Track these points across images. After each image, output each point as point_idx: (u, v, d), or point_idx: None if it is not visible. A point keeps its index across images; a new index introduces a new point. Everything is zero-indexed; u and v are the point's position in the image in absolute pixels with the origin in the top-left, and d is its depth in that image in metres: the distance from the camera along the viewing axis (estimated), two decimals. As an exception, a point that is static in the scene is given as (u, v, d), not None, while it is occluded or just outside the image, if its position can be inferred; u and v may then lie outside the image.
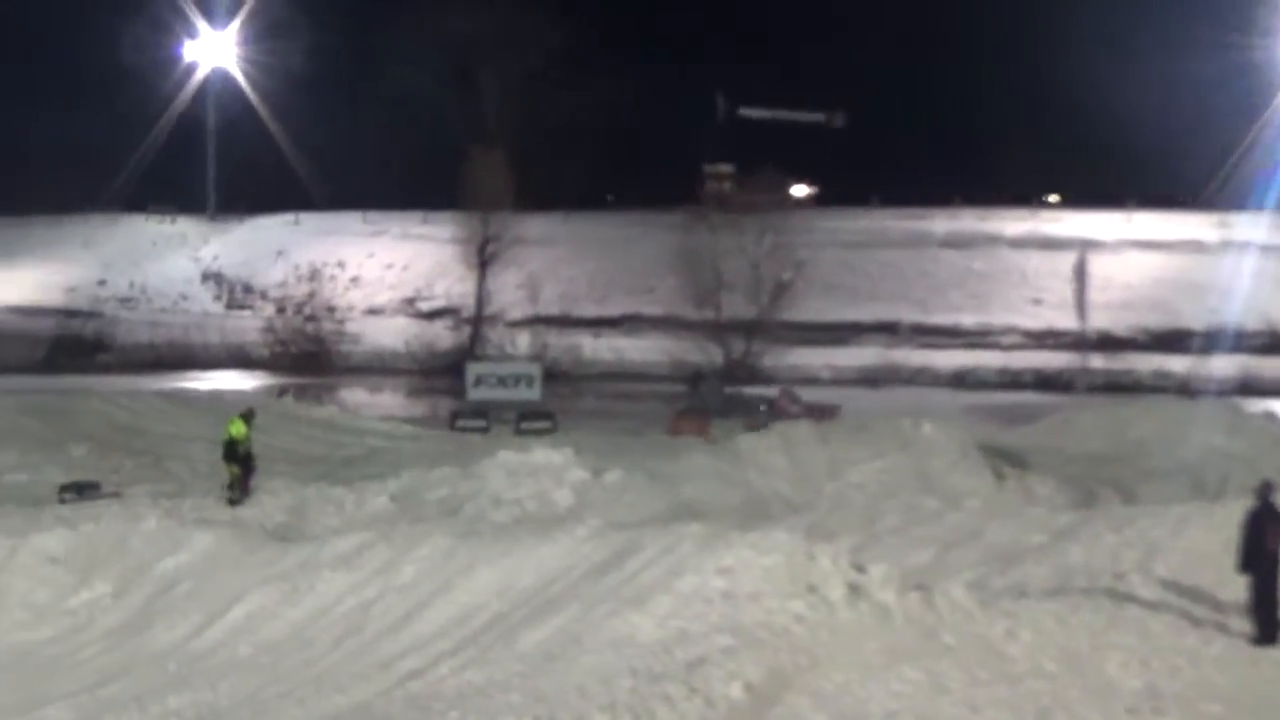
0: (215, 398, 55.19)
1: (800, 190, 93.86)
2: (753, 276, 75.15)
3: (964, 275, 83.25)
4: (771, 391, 53.59)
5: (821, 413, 46.81)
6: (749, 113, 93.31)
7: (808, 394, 53.29)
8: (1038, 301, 79.80)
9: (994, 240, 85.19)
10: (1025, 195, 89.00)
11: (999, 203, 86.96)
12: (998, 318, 79.55)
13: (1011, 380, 72.71)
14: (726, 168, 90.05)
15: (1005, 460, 34.44)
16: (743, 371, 69.59)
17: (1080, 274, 76.34)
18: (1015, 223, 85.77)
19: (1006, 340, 78.09)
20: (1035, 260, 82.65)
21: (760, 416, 46.16)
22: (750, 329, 74.41)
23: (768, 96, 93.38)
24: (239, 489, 31.26)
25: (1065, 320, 76.51)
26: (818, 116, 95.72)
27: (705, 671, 15.07)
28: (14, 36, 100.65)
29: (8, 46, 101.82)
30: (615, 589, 17.38)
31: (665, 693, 14.67)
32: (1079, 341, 74.80)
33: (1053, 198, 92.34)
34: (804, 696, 14.90)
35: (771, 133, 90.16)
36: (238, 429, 32.36)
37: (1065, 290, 77.64)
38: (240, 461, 31.88)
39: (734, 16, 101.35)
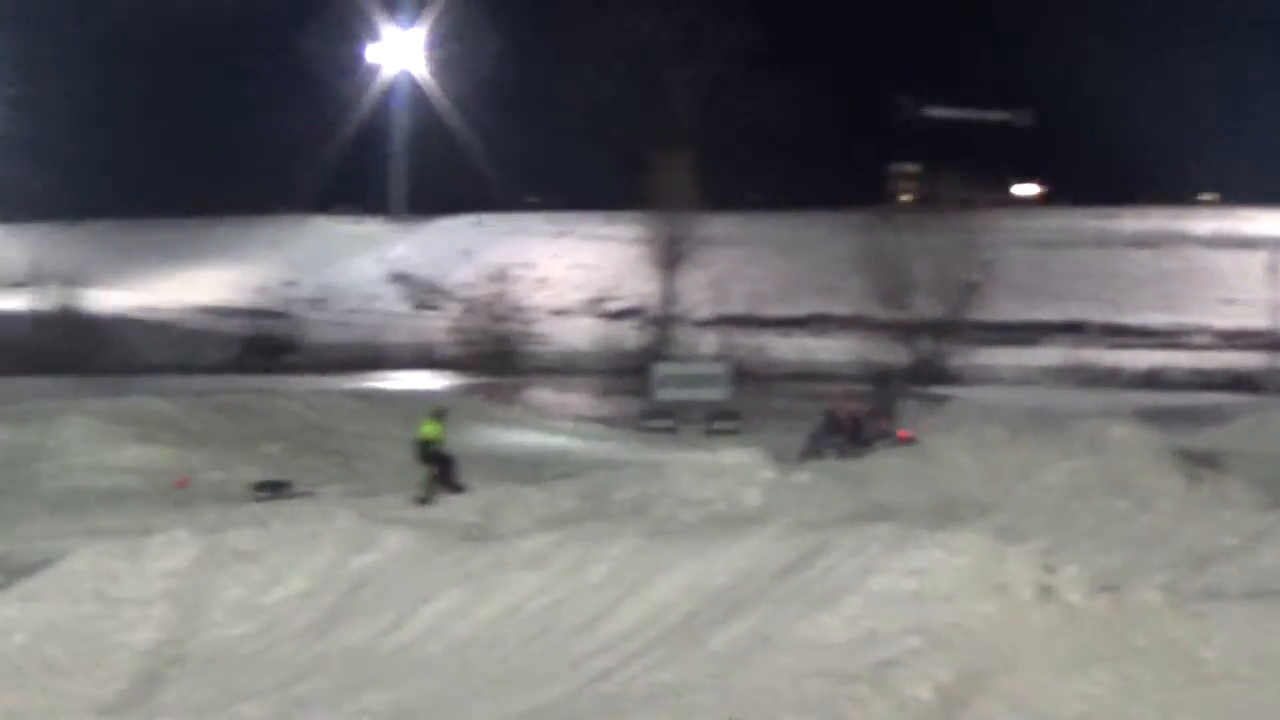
0: (403, 398, 55.76)
1: (1025, 189, 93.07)
2: (940, 277, 74.64)
3: (1154, 274, 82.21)
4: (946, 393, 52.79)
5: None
6: (934, 112, 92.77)
7: (992, 395, 52.72)
8: (1230, 301, 78.69)
9: (1184, 239, 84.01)
10: (1185, 192, 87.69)
11: (1181, 201, 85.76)
12: (1189, 317, 78.55)
13: (1203, 381, 71.59)
14: (912, 167, 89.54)
15: (1198, 462, 33.86)
16: (930, 372, 69.16)
17: (1273, 273, 75.01)
18: (1205, 221, 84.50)
19: (1198, 340, 77.10)
20: (1227, 259, 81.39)
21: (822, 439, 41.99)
22: (938, 329, 73.91)
23: (951, 96, 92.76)
24: (432, 489, 31.55)
25: (1259, 320, 75.18)
26: (1003, 115, 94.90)
27: (895, 673, 14.90)
28: (202, 41, 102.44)
29: (198, 51, 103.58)
30: (804, 589, 17.25)
31: (855, 694, 14.53)
32: (1273, 342, 73.48)
33: (1208, 195, 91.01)
34: (994, 698, 14.70)
35: (955, 132, 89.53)
36: (430, 429, 32.66)
37: (1258, 290, 76.31)
38: (434, 461, 32.17)
39: (917, 16, 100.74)
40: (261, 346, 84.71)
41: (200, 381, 62.48)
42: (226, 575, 21.04)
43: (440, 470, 32.65)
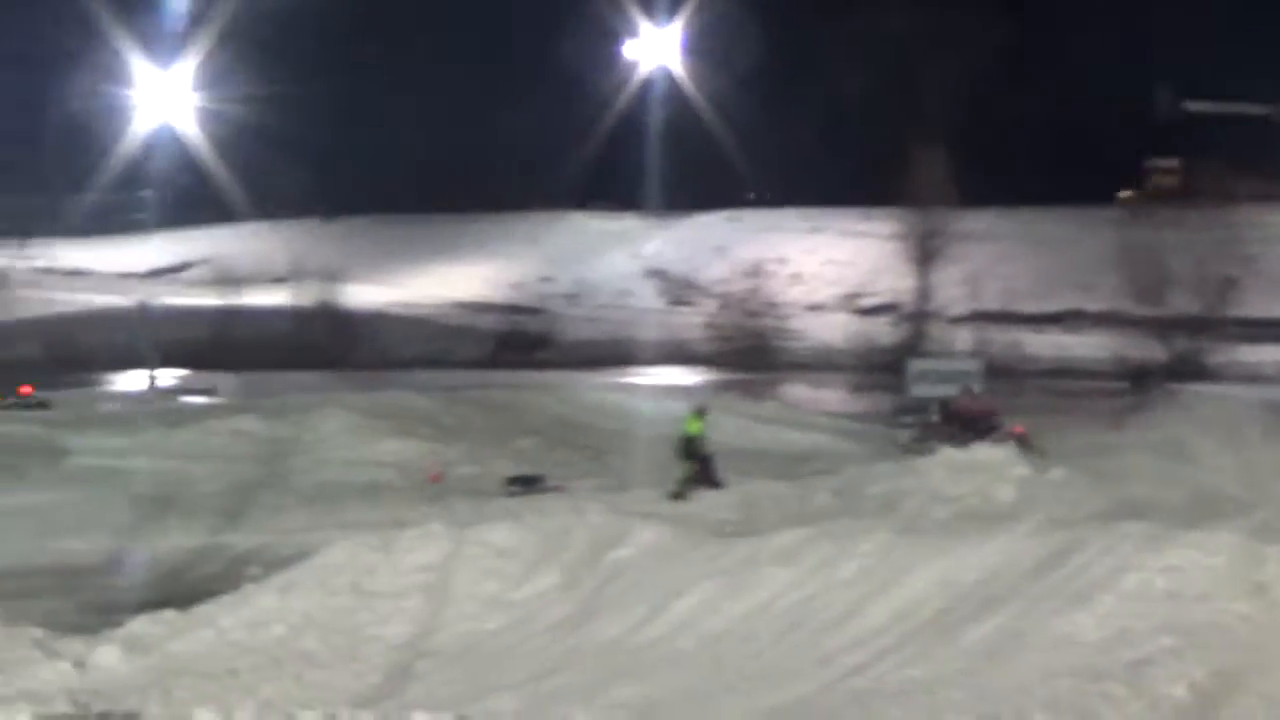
0: (657, 393, 55.85)
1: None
2: (1198, 272, 73.10)
3: None
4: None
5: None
6: (1194, 106, 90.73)
7: (1252, 392, 51.40)
8: None
9: None
10: None
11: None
12: None
13: None
14: (1170, 161, 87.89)
15: None
16: (1187, 369, 67.73)
17: None
18: None
19: None
20: None
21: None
22: (1196, 326, 72.34)
23: (1211, 90, 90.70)
24: (689, 485, 31.53)
25: None
26: (1265, 109, 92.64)
27: (1149, 672, 14.55)
28: (461, 37, 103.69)
29: (455, 48, 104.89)
30: (1057, 587, 16.96)
31: (1107, 692, 14.21)
32: None
33: None
34: (1252, 698, 14.26)
35: (1215, 126, 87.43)
36: (695, 426, 32.65)
37: None
38: (695, 458, 32.17)
39: (1178, 8, 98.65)
40: (516, 342, 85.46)
41: (455, 376, 63.10)
42: (479, 569, 21.11)
43: (701, 467, 32.61)
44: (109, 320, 78.83)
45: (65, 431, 45.44)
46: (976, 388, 50.93)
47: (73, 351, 74.03)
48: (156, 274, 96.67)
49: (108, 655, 19.69)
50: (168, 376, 65.79)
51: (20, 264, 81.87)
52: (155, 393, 61.84)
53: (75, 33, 76.44)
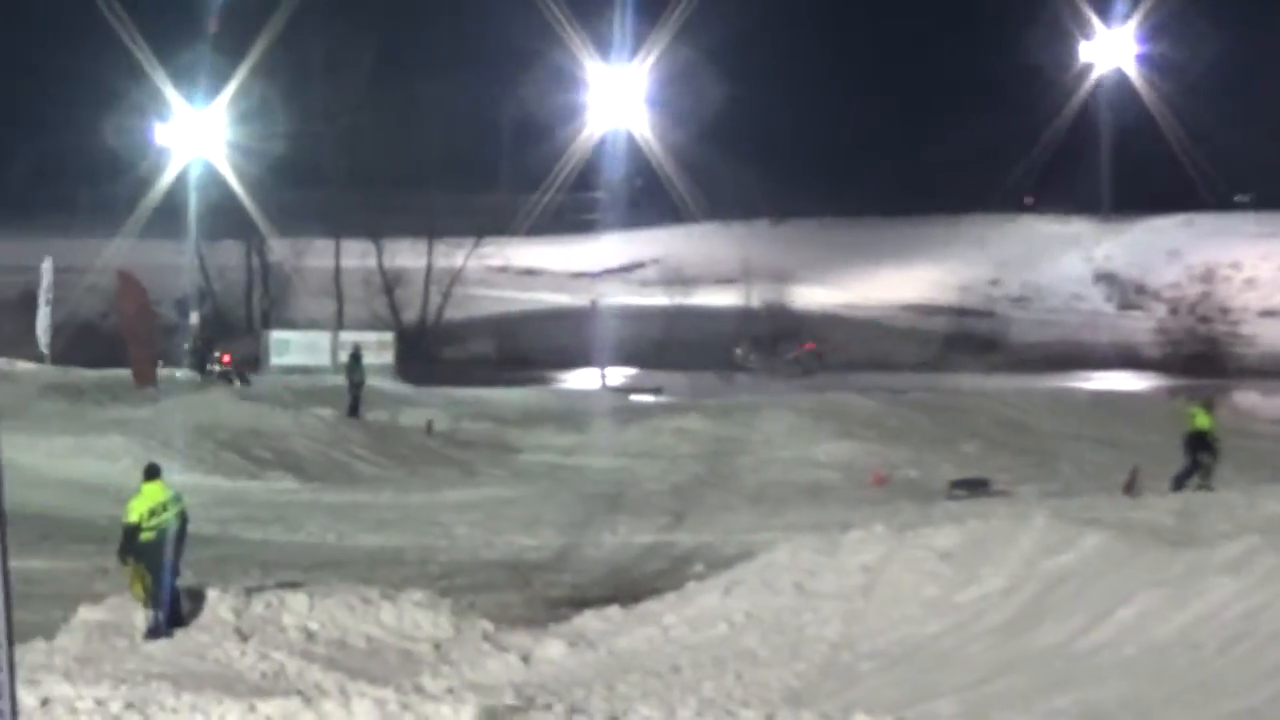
0: (1103, 398, 54.88)
1: None
2: None
3: None
4: None
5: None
6: None
7: None
8: None
9: None
10: None
11: None
12: None
13: None
14: None
15: None
16: None
17: None
18: None
19: None
20: None
21: None
22: None
23: None
24: (1209, 478, 31.44)
25: None
26: None
27: None
28: (907, 40, 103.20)
29: (901, 50, 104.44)
30: None
31: None
32: None
33: None
34: None
35: None
36: (1203, 420, 32.35)
37: None
38: (1207, 450, 31.96)
39: None
40: (963, 345, 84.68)
41: (901, 379, 62.90)
42: (921, 572, 21.06)
43: (1210, 460, 32.47)
44: (561, 319, 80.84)
45: (515, 429, 46.80)
46: None
47: (524, 349, 76.05)
48: (608, 273, 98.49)
49: (553, 649, 20.23)
50: (617, 375, 67.14)
51: (475, 263, 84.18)
52: (605, 391, 63.21)
53: (532, 35, 78.47)
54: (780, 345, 69.28)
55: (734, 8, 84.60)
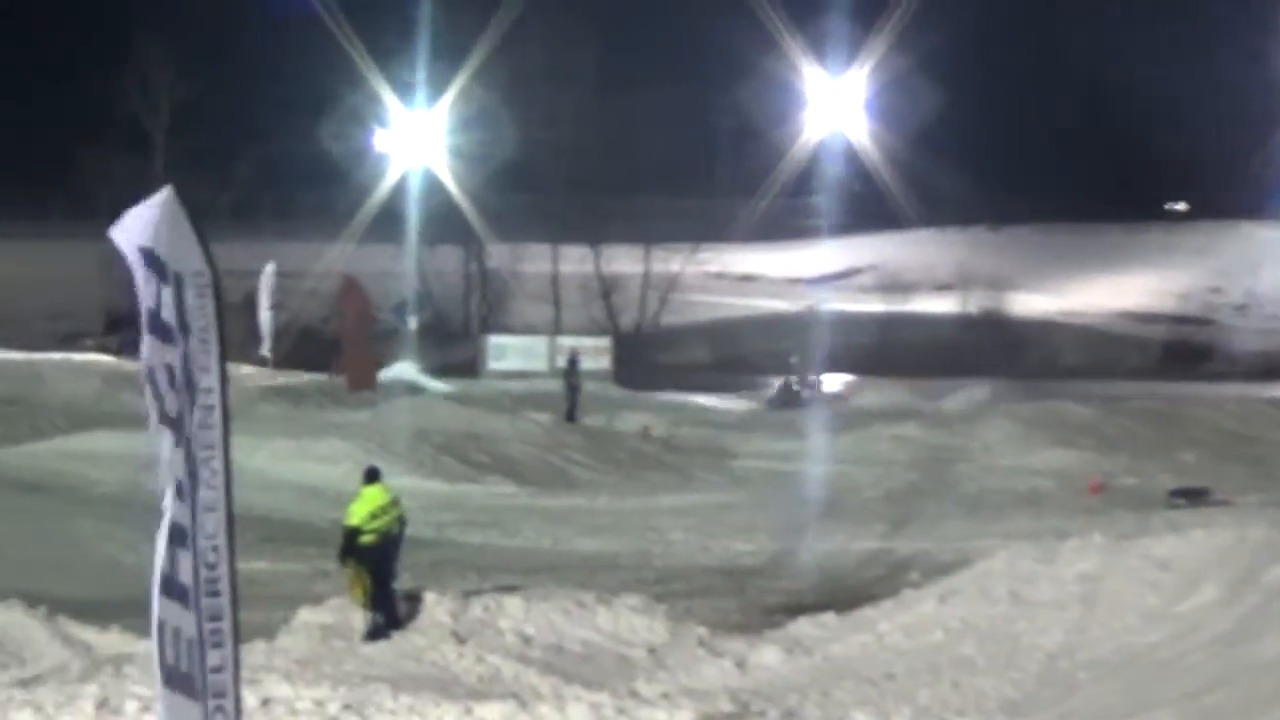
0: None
1: None
2: None
3: None
4: None
5: None
6: None
7: None
8: None
9: None
10: None
11: None
12: None
13: None
14: None
15: None
16: None
17: None
18: None
19: None
20: None
21: None
22: None
23: None
24: None
25: None
26: None
27: None
28: (1128, 41, 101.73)
29: (1124, 49, 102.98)
30: None
31: None
32: None
33: None
34: None
35: None
36: None
37: None
38: None
39: None
40: (1182, 353, 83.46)
41: (1118, 387, 62.18)
42: (1139, 581, 20.92)
43: None
44: (776, 325, 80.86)
45: (731, 434, 47.03)
46: None
47: (739, 355, 76.25)
48: (824, 280, 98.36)
49: (768, 655, 20.35)
50: (833, 381, 67.11)
51: (692, 269, 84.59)
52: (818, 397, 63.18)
53: (750, 41, 78.61)
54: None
55: (952, 13, 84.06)
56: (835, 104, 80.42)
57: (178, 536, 9.76)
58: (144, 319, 9.62)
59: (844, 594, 24.72)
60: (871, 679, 19.15)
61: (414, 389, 55.30)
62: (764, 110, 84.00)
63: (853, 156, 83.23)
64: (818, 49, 78.94)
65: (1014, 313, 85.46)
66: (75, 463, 38.42)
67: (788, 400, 57.43)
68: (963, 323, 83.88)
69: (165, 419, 9.67)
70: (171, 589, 9.79)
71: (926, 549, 29.64)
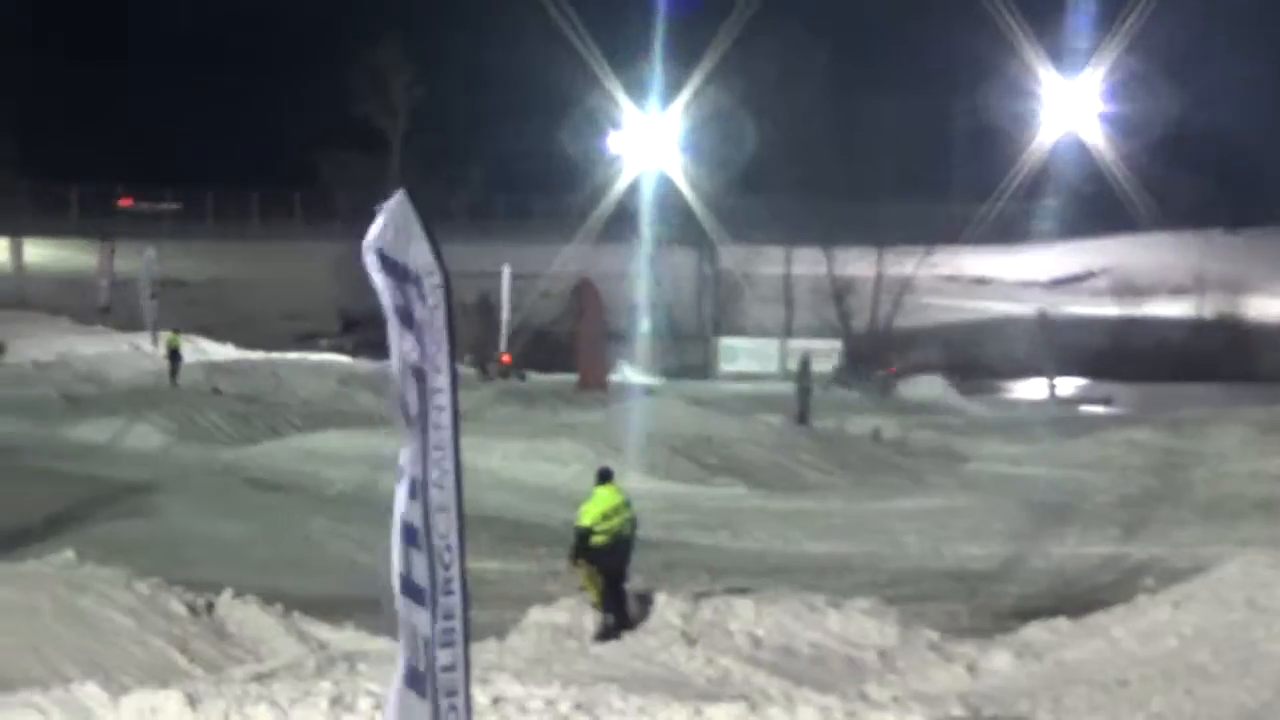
0: None
1: None
2: None
3: None
4: None
5: None
6: None
7: None
8: None
9: None
10: None
11: None
12: None
13: None
14: None
15: None
16: None
17: None
18: None
19: None
20: None
21: None
22: None
23: None
24: None
25: None
26: None
27: None
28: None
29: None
30: None
31: None
32: None
33: None
34: None
35: None
36: None
37: None
38: None
39: None
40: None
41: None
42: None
43: None
44: (1009, 328, 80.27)
45: (963, 437, 46.86)
46: None
47: (973, 358, 75.84)
48: (1057, 283, 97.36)
49: (1000, 660, 20.32)
50: (1067, 385, 66.51)
51: (925, 271, 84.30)
52: (1054, 401, 62.74)
53: (984, 44, 78.09)
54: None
55: (1187, 14, 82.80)
56: (1070, 106, 79.67)
57: (411, 536, 9.97)
58: (392, 317, 9.88)
59: (1075, 599, 24.57)
60: (1104, 685, 19.05)
61: (648, 390, 55.78)
62: (998, 113, 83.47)
63: (1086, 159, 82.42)
64: (1052, 51, 78.31)
65: (1250, 316, 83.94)
66: (311, 462, 39.40)
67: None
68: (1197, 327, 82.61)
69: (408, 417, 9.97)
70: (409, 588, 10.02)
71: (1160, 555, 29.35)
